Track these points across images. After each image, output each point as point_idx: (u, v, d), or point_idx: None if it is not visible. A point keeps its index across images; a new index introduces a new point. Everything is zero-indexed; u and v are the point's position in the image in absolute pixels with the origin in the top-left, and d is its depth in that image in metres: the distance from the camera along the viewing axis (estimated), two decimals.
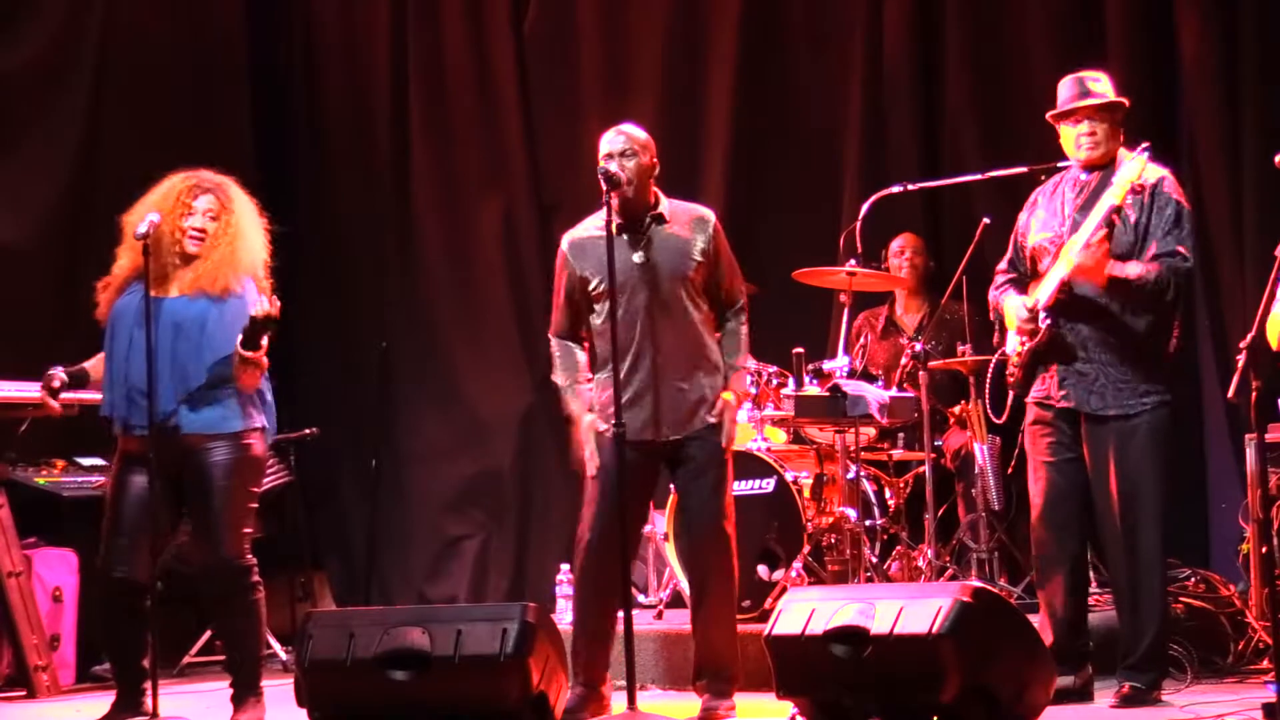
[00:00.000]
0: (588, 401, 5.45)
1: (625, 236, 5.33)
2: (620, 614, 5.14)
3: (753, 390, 6.58)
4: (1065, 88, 5.48)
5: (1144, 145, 5.32)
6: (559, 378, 5.53)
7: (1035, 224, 5.54)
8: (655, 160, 5.44)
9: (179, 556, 5.96)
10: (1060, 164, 5.84)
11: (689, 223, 5.44)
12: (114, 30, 8.00)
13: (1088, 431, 5.35)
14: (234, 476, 5.26)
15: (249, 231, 5.40)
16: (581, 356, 5.52)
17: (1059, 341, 5.37)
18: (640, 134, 5.44)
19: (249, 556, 5.30)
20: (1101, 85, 5.45)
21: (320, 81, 8.82)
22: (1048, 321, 5.36)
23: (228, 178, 5.45)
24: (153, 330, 5.14)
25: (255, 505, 5.40)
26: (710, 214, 5.52)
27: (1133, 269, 5.25)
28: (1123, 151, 5.43)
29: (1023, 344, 5.45)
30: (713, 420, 5.39)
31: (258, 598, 5.33)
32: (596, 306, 5.41)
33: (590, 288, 5.41)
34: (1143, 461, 5.27)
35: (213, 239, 5.31)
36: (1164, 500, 5.29)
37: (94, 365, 5.49)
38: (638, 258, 5.34)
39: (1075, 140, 5.43)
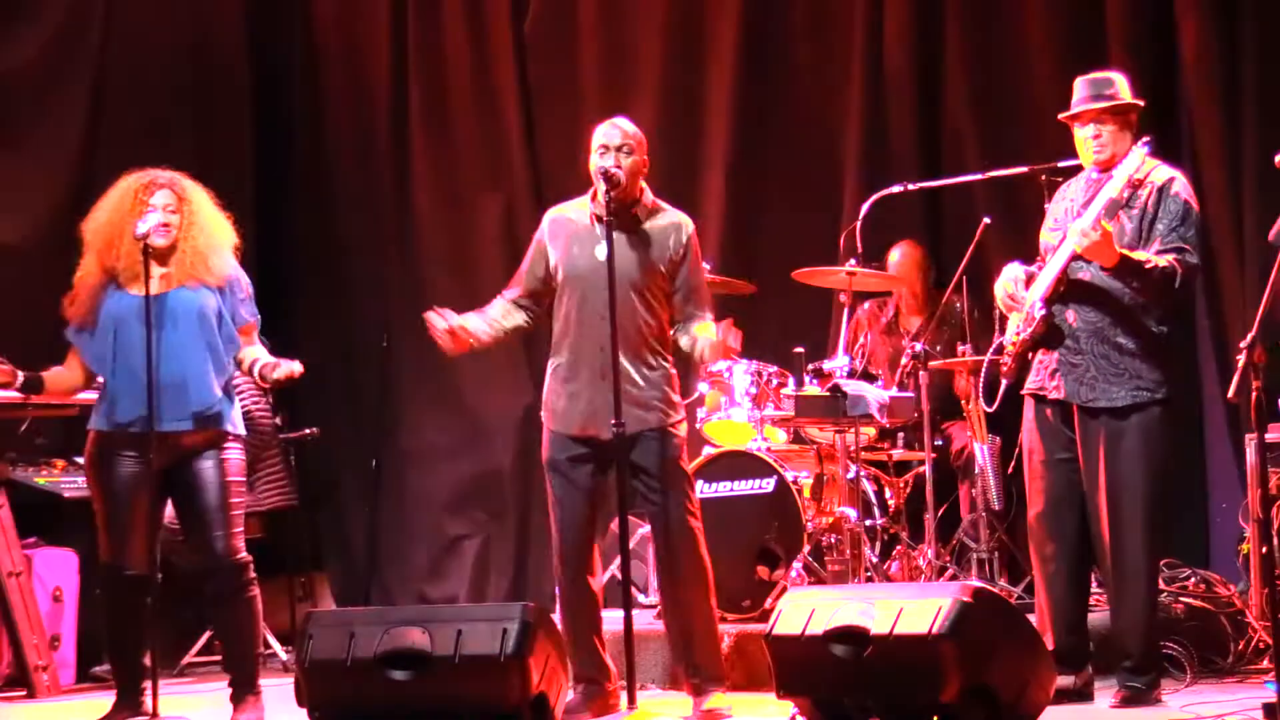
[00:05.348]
0: (482, 320, 5.49)
1: (598, 229, 5.30)
2: (620, 613, 5.15)
3: (753, 390, 6.59)
4: (1076, 89, 5.47)
5: (1145, 139, 5.32)
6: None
7: (1049, 221, 5.56)
8: (646, 158, 5.42)
9: (177, 553, 5.96)
10: (1060, 164, 5.83)
11: (666, 225, 5.39)
12: (114, 30, 7.98)
13: (1080, 426, 5.34)
14: (230, 474, 5.31)
15: (214, 215, 5.43)
16: (517, 316, 5.52)
17: (1054, 333, 5.37)
18: (635, 129, 5.41)
19: (244, 553, 5.33)
20: (1113, 87, 5.41)
21: (320, 81, 8.81)
22: (1044, 313, 5.36)
23: (178, 173, 5.46)
24: (161, 325, 5.19)
25: (245, 502, 5.45)
26: (688, 221, 5.47)
27: (1141, 254, 5.23)
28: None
29: (1018, 333, 5.45)
30: (667, 417, 5.34)
31: (254, 594, 5.36)
32: (556, 291, 5.42)
33: (551, 266, 5.42)
34: (1132, 464, 5.25)
35: (182, 230, 5.32)
36: (1154, 503, 5.26)
37: (52, 376, 5.48)
38: (599, 253, 5.27)
39: (1084, 143, 5.42)
